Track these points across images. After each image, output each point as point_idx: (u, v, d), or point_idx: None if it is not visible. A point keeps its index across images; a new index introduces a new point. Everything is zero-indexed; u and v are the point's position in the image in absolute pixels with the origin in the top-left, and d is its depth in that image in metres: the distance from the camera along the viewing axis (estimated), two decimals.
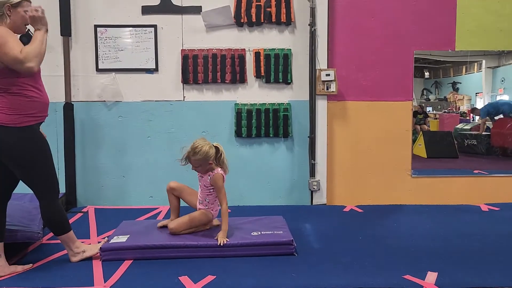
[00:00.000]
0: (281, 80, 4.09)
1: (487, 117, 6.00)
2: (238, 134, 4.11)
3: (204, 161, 2.80)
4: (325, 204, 4.15)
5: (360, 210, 3.92)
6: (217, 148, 2.88)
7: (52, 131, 3.90)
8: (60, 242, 2.65)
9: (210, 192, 2.91)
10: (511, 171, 4.54)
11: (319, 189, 4.12)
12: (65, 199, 3.98)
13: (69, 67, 4.00)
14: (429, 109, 6.92)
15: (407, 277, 2.39)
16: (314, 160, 4.10)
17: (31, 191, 2.52)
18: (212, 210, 2.95)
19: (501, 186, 4.24)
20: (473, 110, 6.36)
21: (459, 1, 4.11)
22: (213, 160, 2.84)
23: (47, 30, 2.40)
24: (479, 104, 6.40)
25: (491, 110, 6.01)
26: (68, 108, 4.00)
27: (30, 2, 2.44)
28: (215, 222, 3.06)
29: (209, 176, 2.86)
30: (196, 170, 2.88)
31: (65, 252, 2.69)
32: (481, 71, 6.06)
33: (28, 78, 2.36)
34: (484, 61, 5.93)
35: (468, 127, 6.34)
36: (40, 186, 2.48)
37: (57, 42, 3.97)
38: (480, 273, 2.44)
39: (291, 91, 4.15)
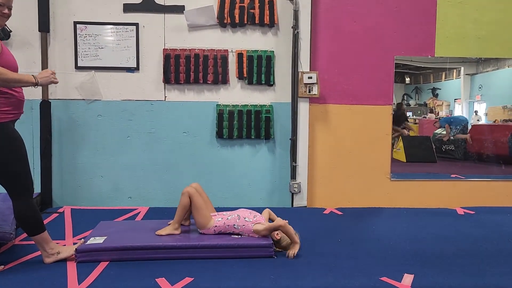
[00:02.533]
0: (263, 82, 4.09)
1: (449, 126, 6.17)
2: (219, 135, 4.09)
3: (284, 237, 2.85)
4: (306, 206, 4.16)
5: (339, 213, 3.94)
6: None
7: (27, 129, 3.81)
8: (34, 243, 2.59)
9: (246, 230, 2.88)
10: (486, 176, 4.64)
11: (299, 191, 4.13)
12: (40, 199, 3.89)
13: (47, 63, 3.91)
14: (409, 114, 7.02)
15: (384, 279, 2.41)
16: (295, 163, 4.11)
17: (4, 190, 2.46)
18: (212, 227, 2.89)
19: (477, 190, 4.33)
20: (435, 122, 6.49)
21: (439, 9, 4.20)
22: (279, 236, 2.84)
23: (35, 85, 2.40)
24: (457, 110, 6.53)
25: (449, 121, 6.23)
26: (45, 106, 3.91)
27: None
28: (187, 222, 3.09)
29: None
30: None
31: (39, 253, 2.63)
32: (460, 78, 6.18)
33: None
34: (462, 68, 6.04)
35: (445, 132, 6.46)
36: (13, 185, 2.44)
37: (34, 37, 3.88)
38: (455, 276, 2.49)
39: (274, 93, 4.15)
